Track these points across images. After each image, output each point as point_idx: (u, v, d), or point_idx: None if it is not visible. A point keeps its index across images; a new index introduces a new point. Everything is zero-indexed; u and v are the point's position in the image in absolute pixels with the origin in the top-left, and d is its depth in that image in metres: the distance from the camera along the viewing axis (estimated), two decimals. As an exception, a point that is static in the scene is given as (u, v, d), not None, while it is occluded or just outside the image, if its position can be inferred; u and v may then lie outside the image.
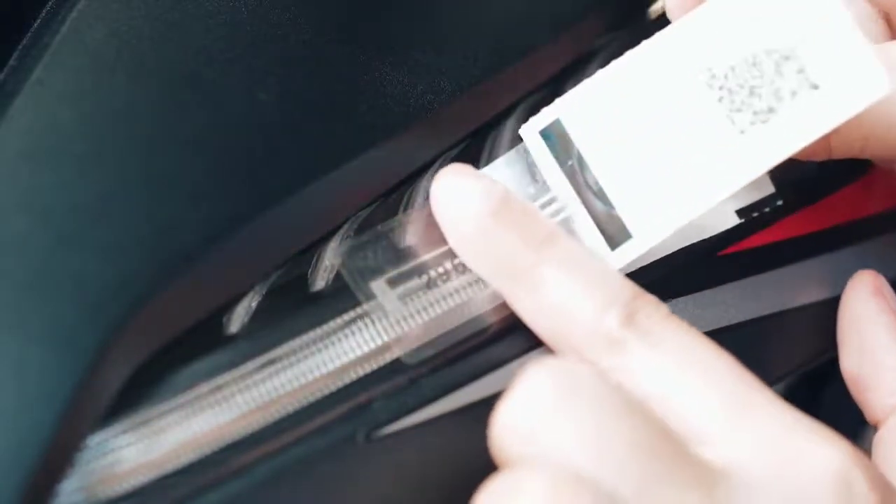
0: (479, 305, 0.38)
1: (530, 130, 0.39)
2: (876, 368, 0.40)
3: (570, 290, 0.36)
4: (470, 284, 0.38)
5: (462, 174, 0.38)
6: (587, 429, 0.33)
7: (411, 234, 0.38)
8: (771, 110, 0.37)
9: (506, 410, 0.34)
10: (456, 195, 0.37)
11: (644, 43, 0.38)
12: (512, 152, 0.40)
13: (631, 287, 0.36)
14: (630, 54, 0.38)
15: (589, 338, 0.36)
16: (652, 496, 0.32)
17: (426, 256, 0.38)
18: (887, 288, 0.42)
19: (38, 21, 0.38)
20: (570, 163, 0.39)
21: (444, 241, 0.38)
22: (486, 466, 0.38)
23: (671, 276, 0.40)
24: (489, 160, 0.40)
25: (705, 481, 0.33)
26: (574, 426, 0.33)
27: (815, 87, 0.37)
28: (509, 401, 0.34)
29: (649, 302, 0.36)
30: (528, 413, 0.33)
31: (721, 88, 0.37)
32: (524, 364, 0.38)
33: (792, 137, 0.37)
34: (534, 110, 0.41)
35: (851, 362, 0.41)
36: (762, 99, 0.37)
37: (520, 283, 0.37)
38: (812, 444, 0.34)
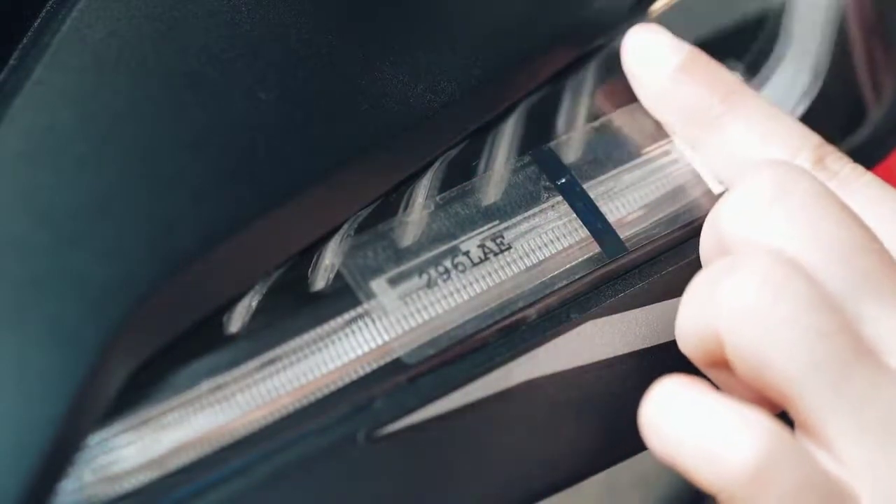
0: (479, 305, 0.38)
1: None
2: None
3: (761, 135, 0.39)
4: (470, 283, 0.38)
5: (652, 31, 0.40)
6: (806, 219, 0.35)
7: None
8: None
9: (727, 202, 0.36)
10: (647, 51, 0.40)
11: None
12: None
13: (816, 135, 0.39)
14: None
15: None
16: (861, 292, 0.34)
17: (426, 255, 0.38)
18: None
19: (38, 21, 0.38)
20: None
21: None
22: (487, 466, 0.38)
23: (671, 275, 0.40)
24: (489, 160, 0.40)
25: None
26: (794, 216, 0.35)
27: None
28: (731, 194, 0.36)
29: (835, 149, 0.39)
30: (750, 203, 0.35)
31: None
32: (523, 364, 0.38)
33: None
34: (534, 110, 0.41)
35: None
36: None
37: (709, 131, 0.39)
38: None
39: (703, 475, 0.34)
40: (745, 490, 0.33)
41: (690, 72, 0.40)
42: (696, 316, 0.35)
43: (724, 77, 0.40)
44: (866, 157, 0.43)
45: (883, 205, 0.37)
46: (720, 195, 0.40)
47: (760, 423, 0.33)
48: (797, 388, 0.33)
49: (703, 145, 0.40)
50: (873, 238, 0.35)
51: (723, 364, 0.35)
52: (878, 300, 0.34)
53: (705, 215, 0.40)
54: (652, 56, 0.40)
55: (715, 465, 0.33)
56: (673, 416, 0.34)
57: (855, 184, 0.38)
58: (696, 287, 0.36)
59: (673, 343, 0.39)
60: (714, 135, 0.40)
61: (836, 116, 0.42)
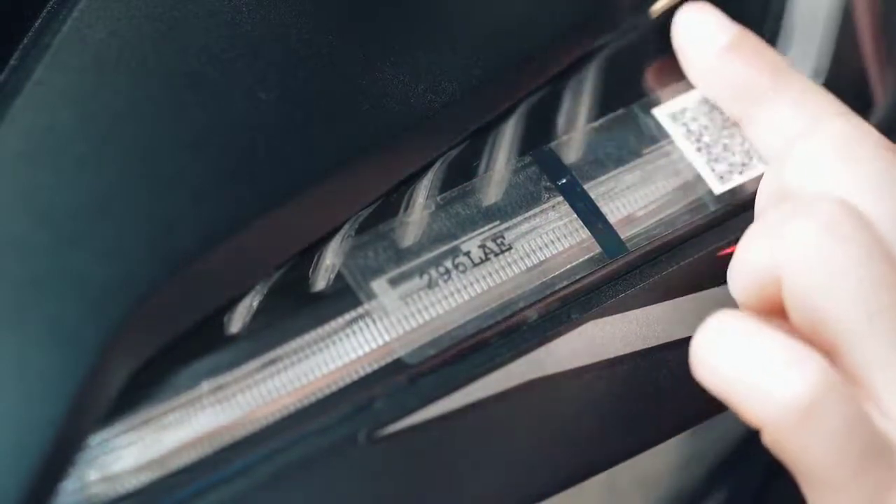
0: (480, 305, 0.38)
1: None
2: None
3: (808, 111, 0.39)
4: (471, 283, 0.38)
5: (702, 10, 0.41)
6: (872, 173, 0.36)
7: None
8: (744, 164, 0.41)
9: (794, 153, 0.37)
10: (697, 29, 0.41)
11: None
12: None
13: (857, 115, 0.39)
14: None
15: None
16: None
17: (427, 256, 0.38)
18: None
19: (39, 21, 0.38)
20: None
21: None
22: (487, 466, 0.38)
23: (672, 276, 0.40)
24: (490, 160, 0.40)
25: None
26: (860, 169, 0.36)
27: None
28: (799, 145, 0.37)
29: (874, 128, 0.39)
30: (819, 153, 0.36)
31: (699, 141, 0.41)
32: (524, 365, 0.38)
33: None
34: (534, 110, 0.41)
35: None
36: (735, 154, 0.41)
37: (757, 108, 0.40)
38: None
39: (752, 409, 0.33)
40: (793, 427, 0.33)
41: (738, 50, 0.41)
42: (753, 258, 0.35)
43: (771, 57, 0.41)
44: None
45: None
46: (720, 195, 0.41)
47: (812, 359, 0.33)
48: (849, 337, 0.34)
49: (751, 121, 0.41)
50: None
51: (776, 311, 0.35)
52: None
53: (706, 215, 0.40)
54: (701, 34, 0.41)
55: (764, 399, 0.33)
56: (723, 349, 0.34)
57: None
58: (757, 230, 0.36)
59: (674, 343, 0.40)
60: (763, 111, 0.40)
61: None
